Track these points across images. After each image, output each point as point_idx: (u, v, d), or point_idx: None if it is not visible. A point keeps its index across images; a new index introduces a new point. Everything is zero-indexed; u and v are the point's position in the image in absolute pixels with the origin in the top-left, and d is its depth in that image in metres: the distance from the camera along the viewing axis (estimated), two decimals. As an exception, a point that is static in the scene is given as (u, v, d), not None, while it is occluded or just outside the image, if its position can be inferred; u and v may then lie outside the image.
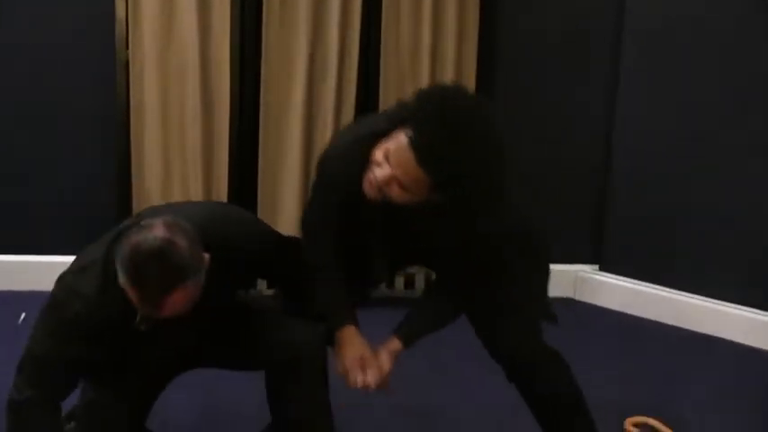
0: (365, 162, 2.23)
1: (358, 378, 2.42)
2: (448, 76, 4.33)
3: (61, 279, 2.27)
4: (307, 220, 2.51)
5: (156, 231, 2.04)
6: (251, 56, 4.26)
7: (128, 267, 2.03)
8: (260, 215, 4.27)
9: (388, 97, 4.28)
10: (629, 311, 4.58)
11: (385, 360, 2.45)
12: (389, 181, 2.16)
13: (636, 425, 3.24)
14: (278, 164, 4.31)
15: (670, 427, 3.22)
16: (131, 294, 2.06)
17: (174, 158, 4.26)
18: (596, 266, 4.80)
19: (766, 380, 3.84)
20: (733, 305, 4.32)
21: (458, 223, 2.31)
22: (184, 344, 2.40)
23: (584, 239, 4.81)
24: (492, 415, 3.26)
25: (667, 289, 4.52)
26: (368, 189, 2.23)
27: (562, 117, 4.64)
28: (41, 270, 4.32)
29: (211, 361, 2.57)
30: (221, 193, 4.29)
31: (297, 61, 4.22)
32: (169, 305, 2.06)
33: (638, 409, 3.34)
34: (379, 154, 2.19)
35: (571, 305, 4.70)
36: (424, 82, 4.29)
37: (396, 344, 2.48)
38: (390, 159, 2.15)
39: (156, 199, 4.22)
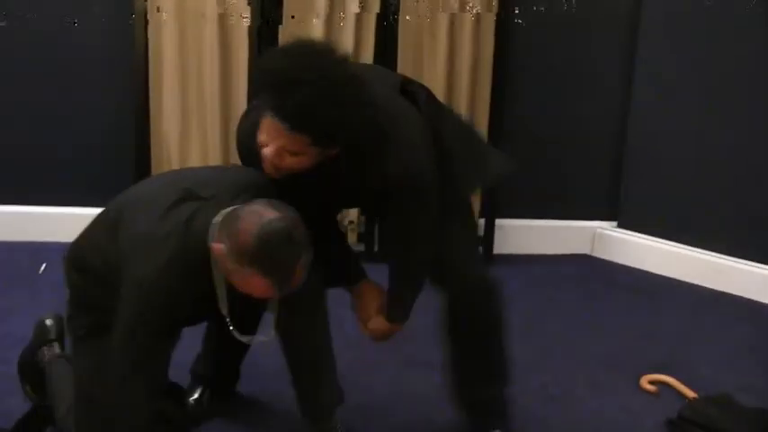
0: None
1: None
2: (467, 25, 4.29)
3: (139, 281, 2.19)
4: None
5: (268, 214, 2.08)
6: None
7: (262, 261, 2.06)
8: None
9: (407, 37, 4.28)
10: (645, 268, 4.58)
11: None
12: (279, 154, 2.22)
13: (652, 383, 3.25)
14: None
15: (686, 385, 3.23)
16: (260, 283, 2.09)
17: (191, 105, 4.24)
18: (614, 223, 4.79)
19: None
20: (750, 262, 4.31)
21: (363, 166, 2.36)
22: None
23: (602, 196, 4.79)
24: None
25: (684, 246, 4.51)
26: (268, 170, 2.29)
27: (581, 74, 4.61)
28: (62, 221, 4.37)
29: None
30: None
31: (316, 4, 4.19)
32: (299, 276, 2.13)
33: (654, 365, 3.36)
34: (261, 136, 2.25)
35: (588, 261, 4.71)
36: (444, 21, 4.27)
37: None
38: (268, 136, 2.21)
39: (174, 146, 4.24)
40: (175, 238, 2.18)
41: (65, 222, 4.35)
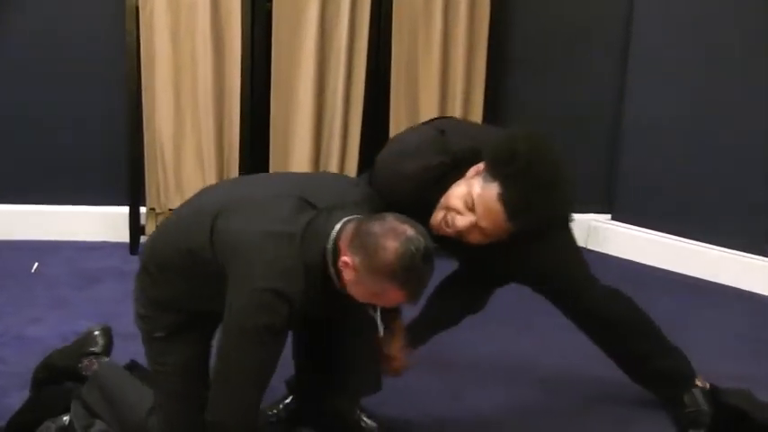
0: (426, 193, 2.32)
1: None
2: (461, 17, 4.29)
3: (260, 287, 2.16)
4: None
5: (407, 231, 2.10)
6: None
7: (402, 276, 2.08)
8: (272, 156, 4.32)
9: (401, 38, 4.29)
10: (640, 260, 4.58)
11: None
12: (471, 228, 2.23)
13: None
14: (290, 105, 4.30)
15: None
16: (395, 295, 2.13)
17: (185, 103, 4.23)
18: (608, 216, 4.79)
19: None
20: (743, 253, 4.32)
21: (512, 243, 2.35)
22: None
23: (597, 189, 4.79)
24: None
25: (678, 238, 4.52)
26: (441, 230, 2.29)
27: (575, 66, 4.61)
28: (55, 220, 4.37)
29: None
30: (233, 134, 4.28)
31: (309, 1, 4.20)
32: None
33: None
34: (457, 202, 2.25)
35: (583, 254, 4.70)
36: (437, 24, 4.27)
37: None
38: (477, 210, 2.21)
39: (167, 144, 4.22)
40: (296, 244, 2.18)
41: (58, 221, 4.38)
